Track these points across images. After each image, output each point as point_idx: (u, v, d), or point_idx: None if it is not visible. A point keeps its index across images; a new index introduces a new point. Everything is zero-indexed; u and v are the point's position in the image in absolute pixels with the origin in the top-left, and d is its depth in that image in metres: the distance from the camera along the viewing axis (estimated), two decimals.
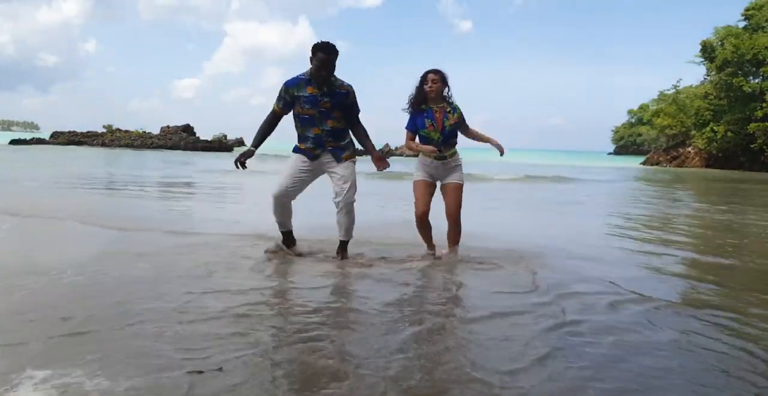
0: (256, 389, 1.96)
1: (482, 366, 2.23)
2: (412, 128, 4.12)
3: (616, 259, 4.66)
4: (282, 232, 4.23)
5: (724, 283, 3.84)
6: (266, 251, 4.23)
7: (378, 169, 4.13)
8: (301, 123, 4.02)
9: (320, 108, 3.91)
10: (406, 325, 2.74)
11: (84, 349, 2.25)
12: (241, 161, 4.00)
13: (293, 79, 3.95)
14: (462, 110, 4.17)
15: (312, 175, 4.10)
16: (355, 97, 4.04)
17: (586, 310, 3.06)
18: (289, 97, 3.96)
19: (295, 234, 4.27)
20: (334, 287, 3.48)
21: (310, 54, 3.85)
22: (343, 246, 4.18)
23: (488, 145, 4.35)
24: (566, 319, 2.87)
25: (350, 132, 4.12)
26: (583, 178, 19.39)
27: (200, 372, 2.05)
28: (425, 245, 4.29)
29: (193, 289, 3.20)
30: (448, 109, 4.08)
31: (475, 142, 4.39)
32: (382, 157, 4.11)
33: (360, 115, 4.13)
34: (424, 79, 4.02)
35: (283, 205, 4.08)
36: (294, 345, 2.40)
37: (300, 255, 4.23)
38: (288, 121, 4.13)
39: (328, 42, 3.86)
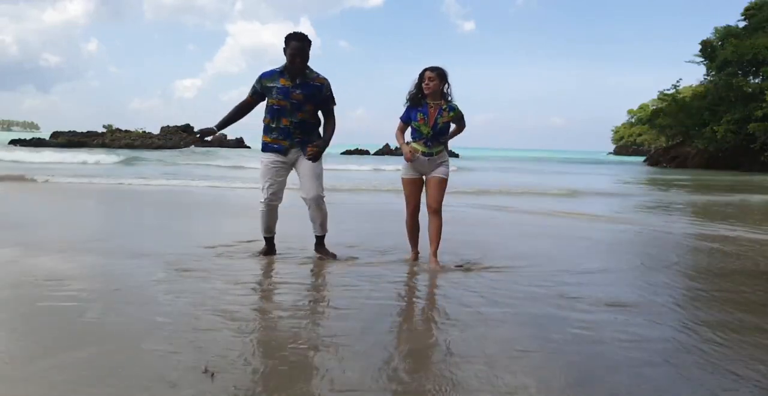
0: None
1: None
2: (405, 119, 4.16)
3: None
4: (265, 238, 4.27)
5: None
6: (255, 254, 4.25)
7: (305, 153, 4.04)
8: (271, 114, 4.06)
9: (292, 100, 3.96)
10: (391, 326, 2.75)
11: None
12: (201, 133, 4.11)
13: (269, 71, 4.04)
14: (462, 113, 4.15)
15: (286, 171, 4.14)
16: (330, 91, 4.07)
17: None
18: (260, 88, 4.04)
19: None
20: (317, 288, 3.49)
21: (283, 45, 3.93)
22: (319, 241, 4.25)
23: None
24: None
25: (318, 128, 4.15)
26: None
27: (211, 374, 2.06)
28: (410, 249, 4.29)
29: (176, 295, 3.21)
30: (443, 107, 4.07)
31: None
32: (320, 148, 4.06)
33: (335, 109, 4.16)
34: (422, 76, 4.03)
35: (271, 209, 4.12)
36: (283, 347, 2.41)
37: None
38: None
39: (297, 31, 3.95)
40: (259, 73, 4.06)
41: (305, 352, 2.31)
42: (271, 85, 3.99)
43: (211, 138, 4.16)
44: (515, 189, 12.87)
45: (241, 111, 4.19)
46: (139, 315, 2.73)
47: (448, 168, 4.21)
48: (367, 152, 42.92)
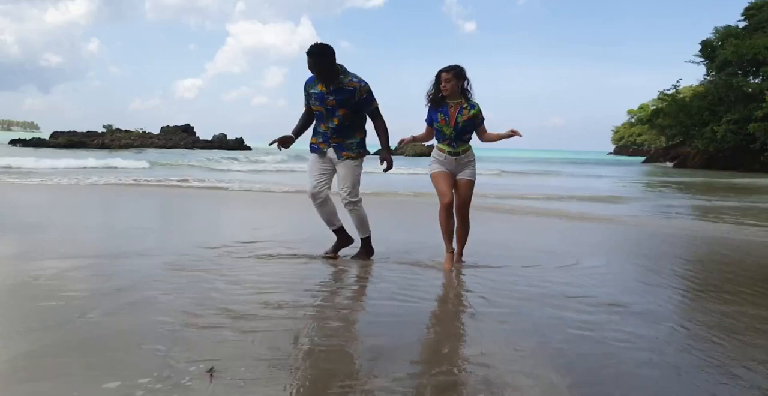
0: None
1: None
2: (428, 121, 4.13)
3: None
4: (333, 231, 4.31)
5: None
6: (325, 254, 4.28)
7: (383, 168, 4.14)
8: (316, 118, 4.15)
9: (327, 105, 3.99)
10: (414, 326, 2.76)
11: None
12: (279, 141, 4.08)
13: (310, 77, 4.05)
14: (482, 109, 4.08)
15: (332, 169, 4.18)
16: (366, 93, 4.00)
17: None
18: (307, 94, 4.09)
19: None
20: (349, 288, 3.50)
21: None
22: (362, 242, 4.29)
23: (505, 140, 4.18)
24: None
25: (360, 132, 4.14)
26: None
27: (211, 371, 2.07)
28: (445, 247, 4.14)
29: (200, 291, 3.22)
30: (464, 105, 4.02)
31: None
32: (387, 158, 4.12)
33: (379, 107, 4.11)
34: (438, 78, 3.99)
35: (320, 203, 4.17)
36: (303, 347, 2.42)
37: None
38: None
39: (315, 44, 3.85)
40: (304, 82, 4.11)
41: (305, 353, 2.32)
42: (312, 91, 4.04)
43: (285, 146, 4.14)
44: (519, 192, 12.88)
45: (305, 120, 4.24)
46: (139, 315, 2.74)
47: (474, 169, 4.17)
48: (367, 152, 43.00)
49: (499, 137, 4.13)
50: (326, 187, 4.18)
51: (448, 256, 4.11)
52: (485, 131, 4.14)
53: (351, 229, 4.29)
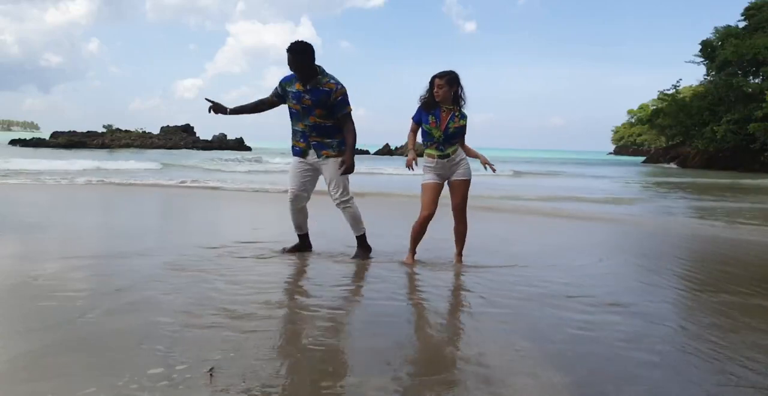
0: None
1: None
2: (417, 120, 4.13)
3: None
4: (298, 236, 4.37)
5: None
6: (283, 250, 4.36)
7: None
8: (291, 116, 4.16)
9: (303, 104, 4.01)
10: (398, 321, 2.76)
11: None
12: (212, 103, 4.16)
13: (288, 75, 4.09)
14: (467, 122, 4.13)
15: (313, 173, 4.19)
16: (341, 96, 4.00)
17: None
18: (281, 90, 4.12)
19: None
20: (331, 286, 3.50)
21: None
22: (358, 241, 4.32)
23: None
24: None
25: (340, 134, 4.10)
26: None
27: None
28: (410, 247, 4.22)
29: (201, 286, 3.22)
30: (456, 113, 4.06)
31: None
32: (346, 159, 4.04)
33: (351, 113, 4.08)
34: (431, 84, 4.02)
35: (298, 209, 4.23)
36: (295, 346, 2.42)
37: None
38: None
39: (295, 42, 3.92)
40: (280, 78, 4.13)
41: (304, 353, 2.32)
42: (289, 89, 4.07)
43: (216, 113, 4.20)
44: (518, 192, 12.88)
45: (260, 105, 4.25)
46: (139, 315, 2.74)
47: (468, 167, 4.17)
48: (366, 152, 43.12)
49: (476, 156, 4.20)
50: (307, 192, 4.22)
51: (409, 255, 4.22)
52: (464, 143, 4.21)
53: (343, 230, 4.29)
